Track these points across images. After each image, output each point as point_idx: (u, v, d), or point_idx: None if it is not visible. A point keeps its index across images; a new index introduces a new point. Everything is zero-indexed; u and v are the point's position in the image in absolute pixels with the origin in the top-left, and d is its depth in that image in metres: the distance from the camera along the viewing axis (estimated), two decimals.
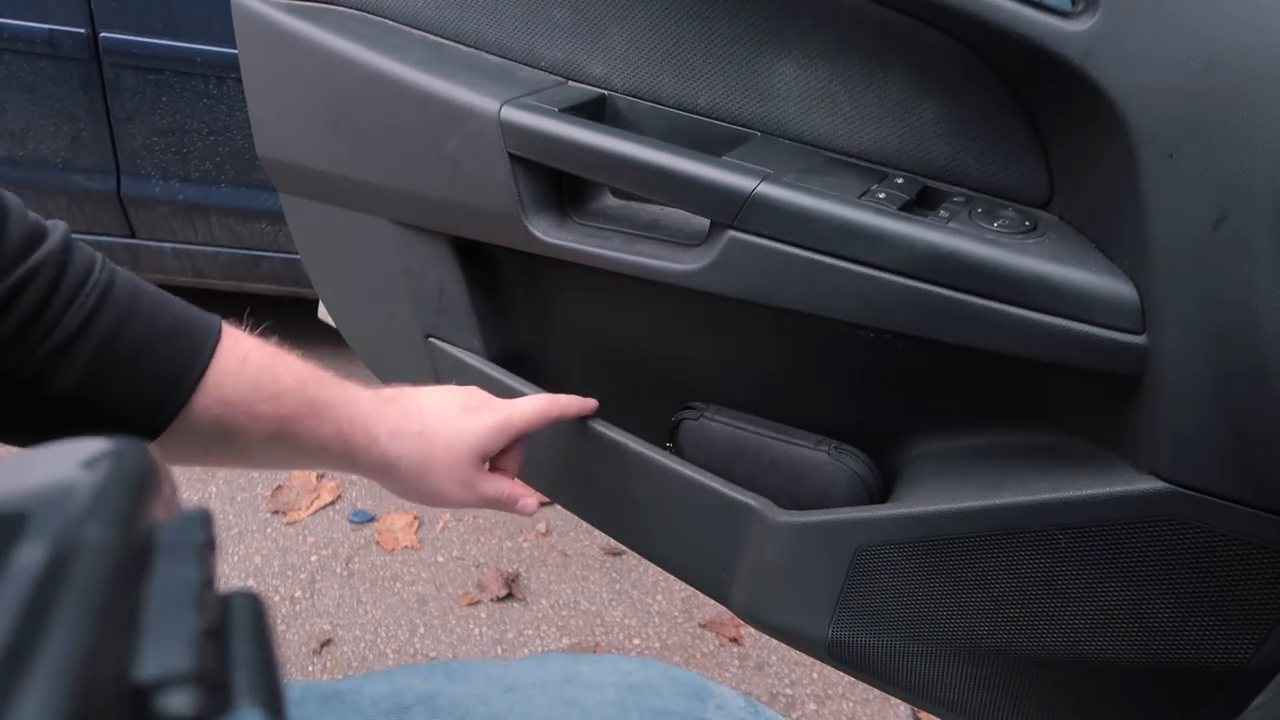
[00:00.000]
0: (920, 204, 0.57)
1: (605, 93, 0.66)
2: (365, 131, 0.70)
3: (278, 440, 0.51)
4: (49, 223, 0.45)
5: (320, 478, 1.85)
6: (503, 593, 1.63)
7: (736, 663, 1.56)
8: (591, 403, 0.69)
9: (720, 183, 0.56)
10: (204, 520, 0.19)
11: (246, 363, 0.50)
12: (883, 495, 0.66)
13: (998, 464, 0.59)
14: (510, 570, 1.69)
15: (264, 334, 0.53)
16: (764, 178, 0.56)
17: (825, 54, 0.59)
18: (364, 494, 1.83)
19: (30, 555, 0.14)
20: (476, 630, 1.57)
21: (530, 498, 0.64)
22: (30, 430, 0.44)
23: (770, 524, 0.64)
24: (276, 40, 0.71)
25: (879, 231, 0.53)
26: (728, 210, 0.57)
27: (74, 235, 0.46)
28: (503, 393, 0.74)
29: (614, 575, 1.71)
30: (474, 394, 0.63)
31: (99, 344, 0.44)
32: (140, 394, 0.46)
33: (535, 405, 0.64)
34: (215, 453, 0.50)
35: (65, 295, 0.43)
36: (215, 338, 0.49)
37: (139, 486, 0.18)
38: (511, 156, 0.64)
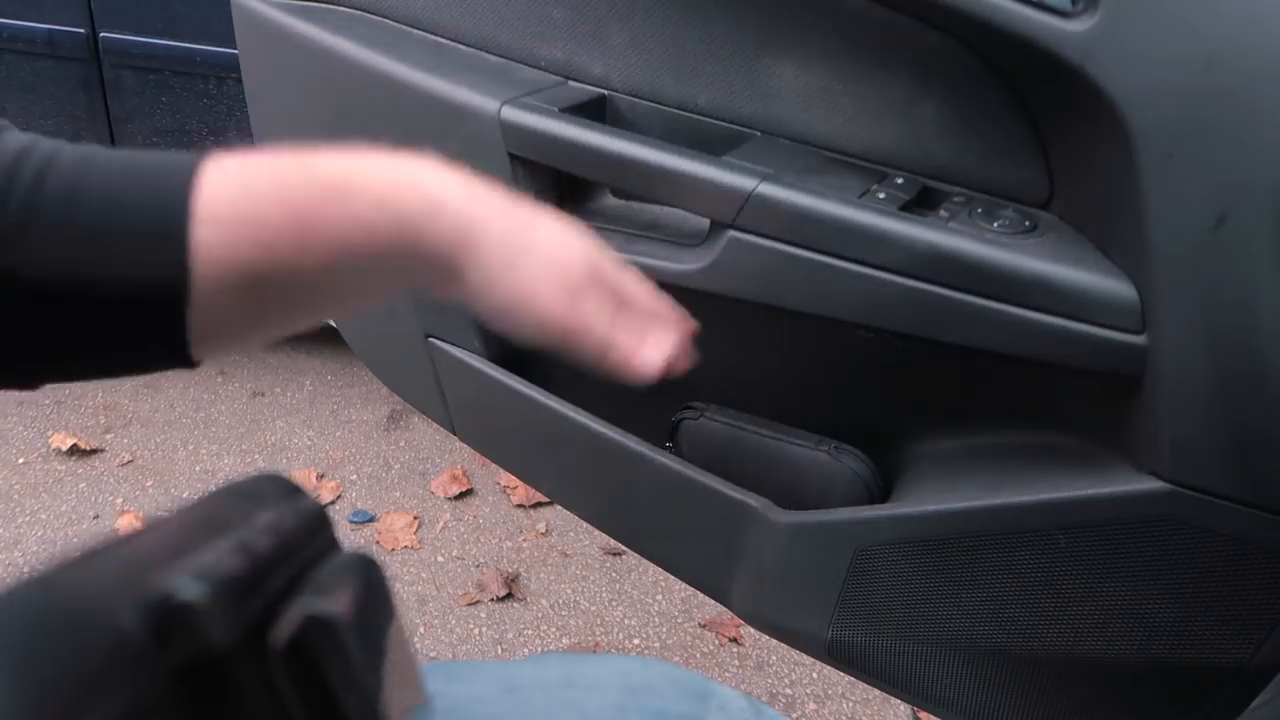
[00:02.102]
0: (920, 204, 0.57)
1: (605, 93, 0.66)
2: (365, 131, 0.70)
3: (310, 251, 0.40)
4: None
5: (320, 478, 1.85)
6: (503, 593, 1.63)
7: (736, 663, 1.56)
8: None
9: (720, 183, 0.56)
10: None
11: (232, 173, 0.41)
12: (883, 495, 0.66)
13: (998, 464, 0.59)
14: (510, 570, 1.69)
15: None
16: (764, 178, 0.56)
17: (825, 54, 0.59)
18: (364, 494, 1.83)
19: None
20: (476, 630, 1.57)
21: (655, 351, 0.47)
22: (30, 353, 0.38)
23: (770, 524, 0.64)
24: (276, 40, 0.71)
25: (879, 231, 0.53)
26: (728, 210, 0.57)
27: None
28: (503, 393, 0.74)
29: (614, 575, 1.71)
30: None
31: (56, 212, 0.37)
32: (131, 256, 0.38)
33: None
34: (270, 305, 0.41)
35: (2, 174, 0.37)
36: (192, 165, 0.41)
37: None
38: (511, 156, 0.64)
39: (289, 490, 0.23)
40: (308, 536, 0.22)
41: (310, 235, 0.40)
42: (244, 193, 0.40)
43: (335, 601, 0.20)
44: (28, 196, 0.37)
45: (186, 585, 0.17)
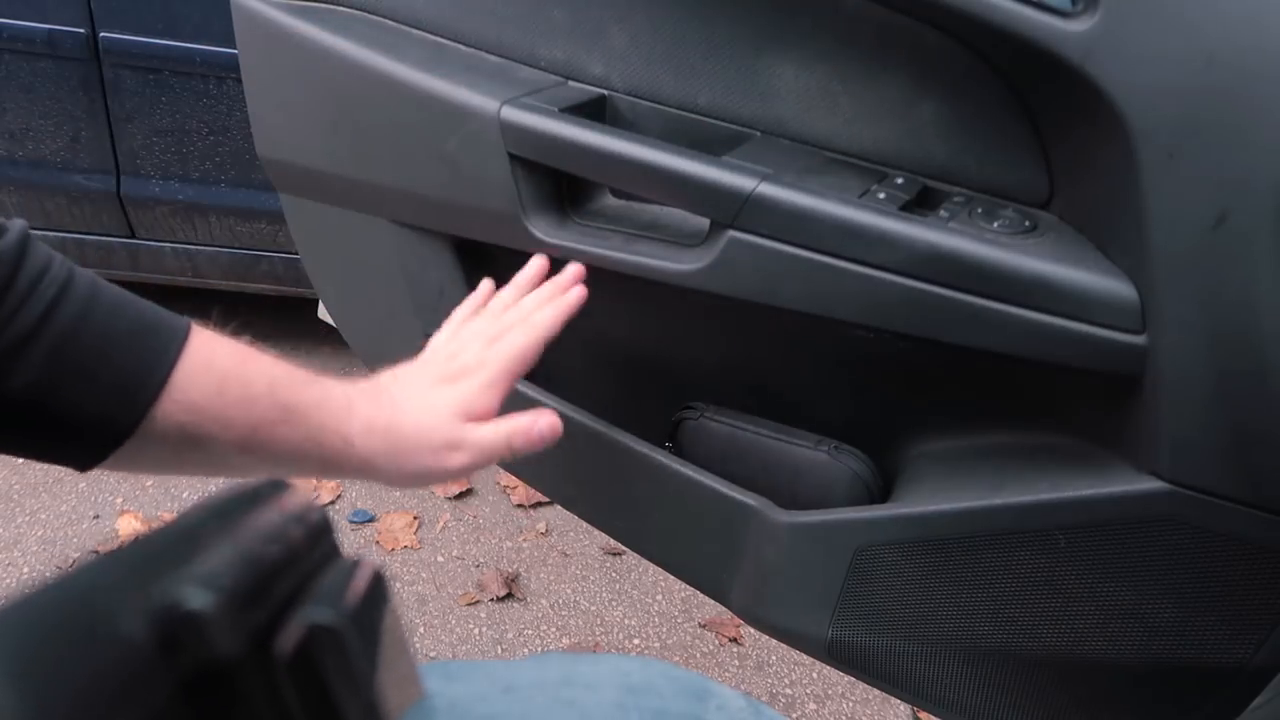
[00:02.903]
0: (920, 204, 0.57)
1: (605, 93, 0.66)
2: (365, 131, 0.70)
3: (251, 449, 0.49)
4: (6, 221, 0.44)
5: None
6: (503, 593, 1.63)
7: (736, 663, 1.56)
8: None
9: (720, 183, 0.56)
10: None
11: (214, 365, 0.47)
12: (883, 495, 0.66)
13: (998, 464, 0.59)
14: (510, 570, 1.69)
15: (236, 333, 0.51)
16: (764, 178, 0.56)
17: (825, 54, 0.59)
18: (364, 494, 1.83)
19: None
20: (476, 630, 1.57)
21: (544, 416, 0.59)
22: None
23: (770, 524, 0.64)
24: (276, 40, 0.71)
25: (879, 231, 0.53)
26: (728, 210, 0.57)
27: (42, 232, 0.45)
28: None
29: (614, 575, 1.71)
30: (456, 359, 0.59)
31: (55, 343, 0.42)
32: (101, 397, 0.44)
33: (518, 349, 0.59)
34: (187, 461, 0.48)
35: (20, 292, 0.42)
36: (182, 338, 0.46)
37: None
38: (511, 156, 0.64)
39: (291, 495, 0.23)
40: (311, 542, 0.22)
41: (254, 443, 0.49)
42: (214, 386, 0.47)
43: (339, 610, 0.20)
44: (44, 314, 0.42)
45: (194, 594, 0.17)
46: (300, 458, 0.51)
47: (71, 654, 0.15)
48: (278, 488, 0.23)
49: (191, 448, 0.47)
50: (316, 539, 0.22)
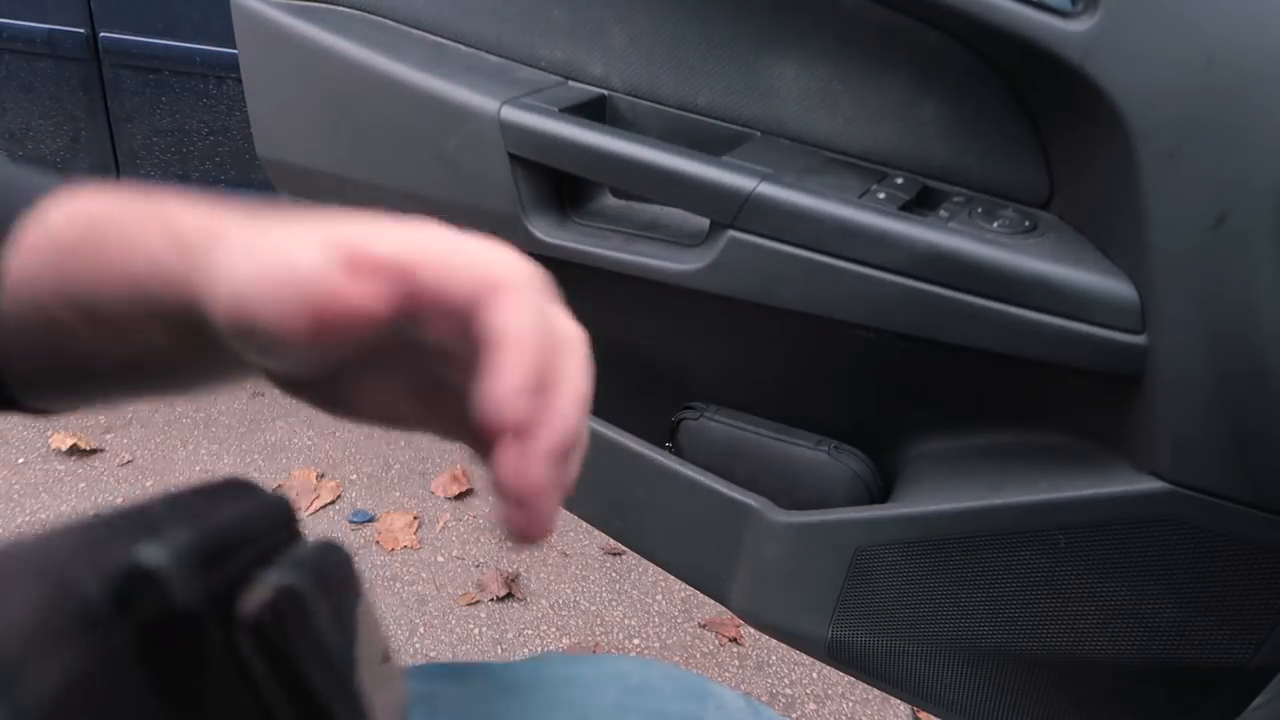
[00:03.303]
0: (920, 204, 0.57)
1: (605, 93, 0.66)
2: (365, 131, 0.70)
3: (102, 282, 0.34)
4: None
5: (320, 478, 1.85)
6: (503, 593, 1.63)
7: (736, 663, 1.56)
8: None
9: (720, 183, 0.56)
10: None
11: (70, 208, 0.36)
12: (883, 495, 0.66)
13: (998, 464, 0.59)
14: (510, 570, 1.69)
15: None
16: (764, 178, 0.56)
17: (825, 54, 0.59)
18: (364, 494, 1.83)
19: None
20: (476, 630, 1.57)
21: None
22: None
23: (770, 524, 0.64)
24: (276, 40, 0.71)
25: (879, 231, 0.53)
26: (728, 210, 0.57)
27: None
28: None
29: (614, 575, 1.71)
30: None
31: None
32: None
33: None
34: (83, 352, 0.37)
35: None
36: (38, 194, 0.36)
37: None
38: (511, 156, 0.64)
39: (256, 488, 0.23)
40: (274, 526, 0.22)
41: (100, 261, 0.35)
42: (64, 224, 0.36)
43: (302, 574, 0.20)
44: None
45: (149, 551, 0.17)
46: (161, 278, 0.33)
47: (20, 598, 0.15)
48: (243, 483, 0.23)
49: (61, 320, 0.35)
50: (280, 523, 0.23)
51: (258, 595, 0.19)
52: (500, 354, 0.27)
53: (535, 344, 0.28)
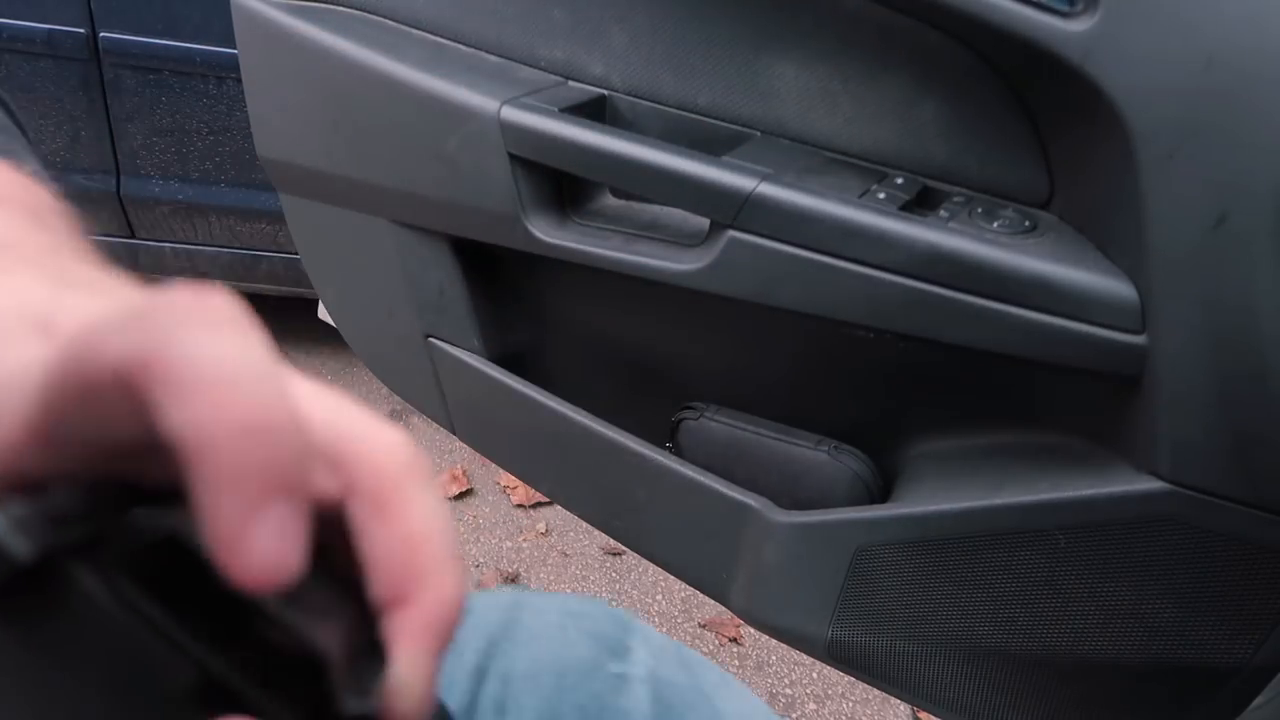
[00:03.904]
0: (920, 204, 0.57)
1: (605, 93, 0.66)
2: (365, 131, 0.71)
3: None
4: None
5: None
6: None
7: (736, 663, 1.56)
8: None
9: (720, 183, 0.56)
10: None
11: None
12: (883, 495, 0.66)
13: (998, 464, 0.59)
14: (510, 570, 1.69)
15: None
16: (764, 178, 0.56)
17: (825, 54, 0.59)
18: None
19: None
20: None
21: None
22: None
23: (770, 524, 0.64)
24: (276, 40, 0.71)
25: (879, 231, 0.53)
26: (728, 210, 0.57)
27: None
28: (503, 393, 0.74)
29: (614, 575, 1.71)
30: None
31: None
32: None
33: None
34: None
35: None
36: None
37: None
38: (511, 156, 0.64)
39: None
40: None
41: None
42: None
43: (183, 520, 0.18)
44: None
45: None
46: None
47: None
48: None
49: None
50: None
51: (138, 528, 0.18)
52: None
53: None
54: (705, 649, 1.57)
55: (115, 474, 0.19)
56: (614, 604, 1.64)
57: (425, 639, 0.19)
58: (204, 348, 0.16)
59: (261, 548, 0.16)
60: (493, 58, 0.69)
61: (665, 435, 0.72)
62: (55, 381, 0.17)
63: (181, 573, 0.18)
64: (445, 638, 0.20)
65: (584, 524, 0.79)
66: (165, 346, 0.16)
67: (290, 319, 2.21)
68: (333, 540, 0.20)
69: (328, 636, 0.19)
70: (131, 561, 0.18)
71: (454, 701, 0.52)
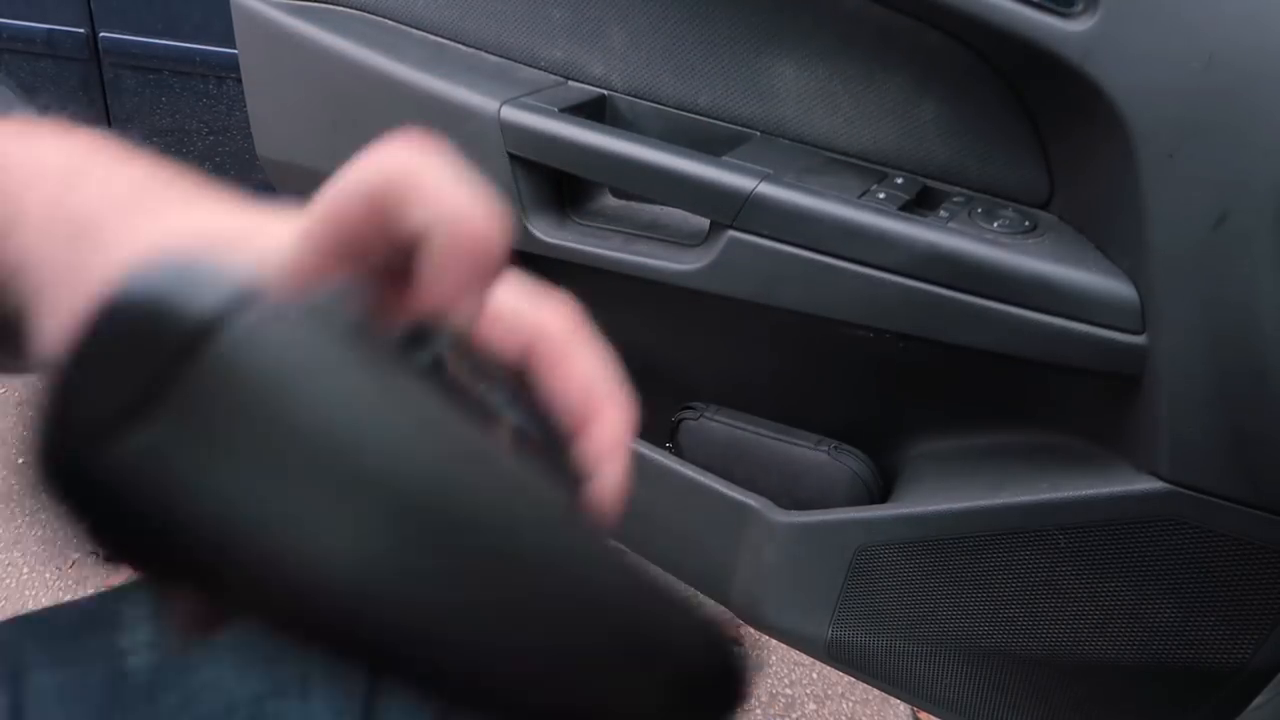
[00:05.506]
0: (920, 204, 0.57)
1: (605, 93, 0.66)
2: (365, 131, 0.70)
3: None
4: None
5: None
6: None
7: None
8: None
9: (720, 183, 0.56)
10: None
11: None
12: (883, 495, 0.66)
13: (998, 464, 0.59)
14: None
15: None
16: (764, 178, 0.56)
17: (825, 54, 0.59)
18: None
19: None
20: None
21: None
22: None
23: (770, 524, 0.64)
24: (276, 40, 0.71)
25: (879, 231, 0.53)
26: (728, 210, 0.57)
27: None
28: None
29: None
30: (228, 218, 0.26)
31: None
32: None
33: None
34: None
35: None
36: None
37: None
38: (511, 156, 0.64)
39: None
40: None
41: None
42: None
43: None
44: None
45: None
46: None
47: None
48: None
49: None
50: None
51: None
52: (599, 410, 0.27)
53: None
54: None
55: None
56: None
57: (614, 448, 0.25)
58: (437, 168, 0.23)
59: (467, 307, 0.22)
60: (493, 58, 0.69)
61: (665, 435, 0.72)
62: (329, 211, 0.23)
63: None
64: (627, 448, 0.26)
65: None
66: (411, 170, 0.23)
67: None
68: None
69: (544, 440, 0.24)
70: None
71: None
